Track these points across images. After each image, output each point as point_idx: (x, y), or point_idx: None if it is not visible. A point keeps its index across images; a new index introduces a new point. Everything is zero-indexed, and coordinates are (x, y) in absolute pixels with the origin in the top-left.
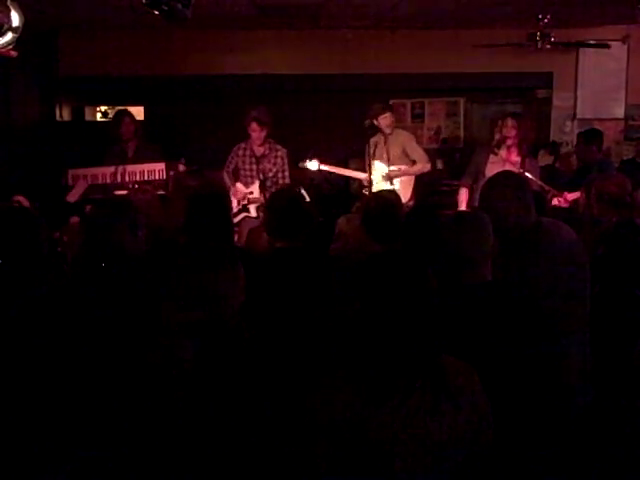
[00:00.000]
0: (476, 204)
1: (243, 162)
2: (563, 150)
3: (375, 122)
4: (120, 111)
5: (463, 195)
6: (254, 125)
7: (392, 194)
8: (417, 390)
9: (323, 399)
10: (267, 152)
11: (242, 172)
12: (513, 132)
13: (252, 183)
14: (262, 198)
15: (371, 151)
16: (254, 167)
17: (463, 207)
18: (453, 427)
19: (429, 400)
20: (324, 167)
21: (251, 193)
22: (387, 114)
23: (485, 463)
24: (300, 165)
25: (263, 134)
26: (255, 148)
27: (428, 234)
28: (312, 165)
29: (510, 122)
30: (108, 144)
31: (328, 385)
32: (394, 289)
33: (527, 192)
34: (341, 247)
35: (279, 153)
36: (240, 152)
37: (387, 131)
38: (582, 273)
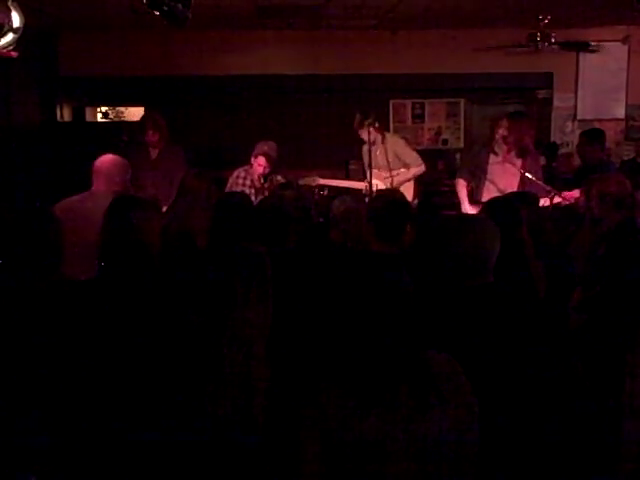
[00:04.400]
0: (478, 199)
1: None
2: (562, 151)
3: (363, 136)
4: (145, 118)
5: (463, 190)
6: (262, 160)
7: (397, 194)
8: (405, 389)
9: (313, 403)
10: (268, 185)
11: None
12: (505, 133)
13: None
14: None
15: (368, 158)
16: (253, 198)
17: (466, 204)
18: (442, 423)
19: (418, 398)
20: (324, 181)
21: None
22: (366, 129)
23: (475, 458)
24: (300, 182)
25: (267, 170)
26: (256, 181)
27: (431, 235)
28: (312, 180)
29: (504, 123)
30: (131, 143)
31: (318, 389)
32: (369, 290)
33: None
34: (341, 235)
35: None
36: (240, 181)
37: (373, 140)
38: None
